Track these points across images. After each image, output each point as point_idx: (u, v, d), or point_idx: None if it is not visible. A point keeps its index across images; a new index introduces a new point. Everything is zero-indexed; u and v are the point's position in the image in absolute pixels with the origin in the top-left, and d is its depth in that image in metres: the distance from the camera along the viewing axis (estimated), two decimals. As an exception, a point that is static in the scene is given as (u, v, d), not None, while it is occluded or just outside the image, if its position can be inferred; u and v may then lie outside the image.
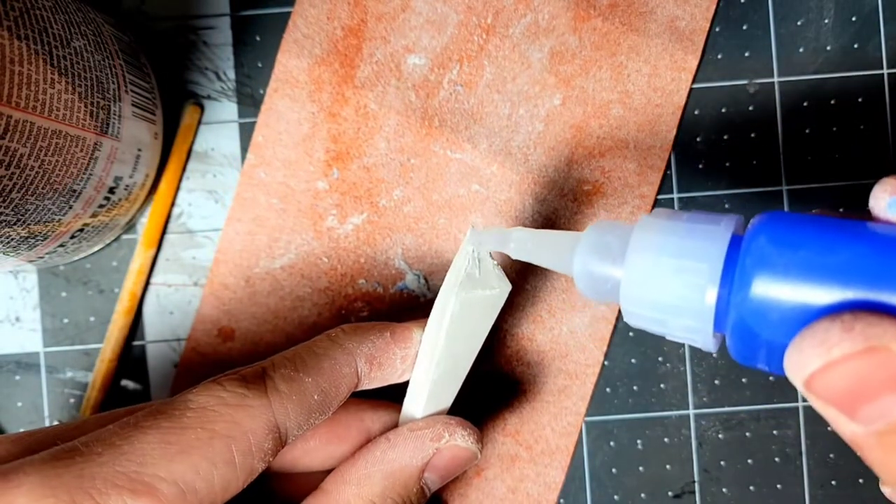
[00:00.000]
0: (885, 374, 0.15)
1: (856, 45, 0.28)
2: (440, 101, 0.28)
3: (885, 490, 0.17)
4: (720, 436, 0.28)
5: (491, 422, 0.28)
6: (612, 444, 0.28)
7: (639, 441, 0.28)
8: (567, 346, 0.28)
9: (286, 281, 0.28)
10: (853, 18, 0.28)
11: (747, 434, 0.28)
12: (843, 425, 0.16)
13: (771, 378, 0.28)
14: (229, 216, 0.28)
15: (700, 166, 0.28)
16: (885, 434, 0.15)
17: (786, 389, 0.28)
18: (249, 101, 0.28)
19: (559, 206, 0.28)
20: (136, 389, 0.29)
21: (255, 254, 0.28)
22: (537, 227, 0.28)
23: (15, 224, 0.22)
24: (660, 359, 0.28)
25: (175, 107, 0.28)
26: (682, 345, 0.28)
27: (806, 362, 0.15)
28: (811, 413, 0.28)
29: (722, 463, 0.28)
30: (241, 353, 0.28)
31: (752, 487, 0.28)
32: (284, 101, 0.28)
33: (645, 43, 0.28)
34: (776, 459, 0.28)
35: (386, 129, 0.28)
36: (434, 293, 0.28)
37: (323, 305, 0.28)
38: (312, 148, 0.28)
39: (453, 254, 0.28)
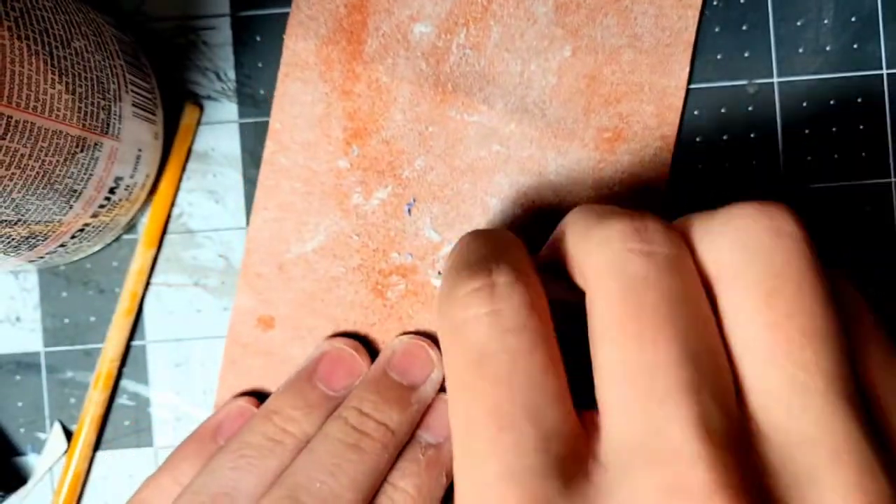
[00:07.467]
0: None
1: (855, 46, 0.27)
2: (451, 66, 0.27)
3: None
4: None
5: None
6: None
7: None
8: None
9: (319, 263, 0.27)
10: (853, 19, 0.27)
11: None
12: None
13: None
14: (255, 205, 0.27)
15: (699, 167, 0.27)
16: None
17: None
18: (250, 101, 0.27)
19: (582, 156, 0.27)
20: (136, 390, 0.28)
21: (285, 240, 0.27)
22: (561, 181, 0.27)
23: (16, 224, 0.21)
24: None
25: (175, 107, 0.27)
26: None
27: None
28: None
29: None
30: (283, 340, 0.27)
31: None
32: (296, 84, 0.27)
33: (648, -16, 0.26)
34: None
35: (400, 100, 0.27)
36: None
37: (359, 283, 0.27)
38: (329, 128, 0.27)
39: (482, 217, 0.27)
